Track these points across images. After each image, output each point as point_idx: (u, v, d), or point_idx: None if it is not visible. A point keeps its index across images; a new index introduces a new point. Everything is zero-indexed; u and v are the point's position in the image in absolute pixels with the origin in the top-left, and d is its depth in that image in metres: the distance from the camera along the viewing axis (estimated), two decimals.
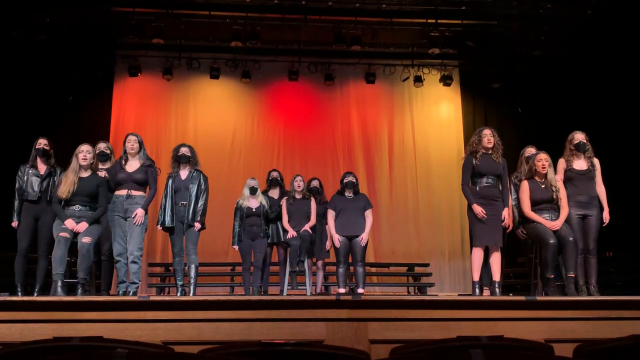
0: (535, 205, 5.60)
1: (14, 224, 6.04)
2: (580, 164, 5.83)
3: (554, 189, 5.59)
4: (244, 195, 7.19)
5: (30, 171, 6.07)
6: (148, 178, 5.78)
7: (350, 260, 6.82)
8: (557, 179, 5.70)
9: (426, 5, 10.48)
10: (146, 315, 3.70)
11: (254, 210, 7.08)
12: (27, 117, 10.08)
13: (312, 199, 7.24)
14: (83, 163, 5.58)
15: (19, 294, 5.93)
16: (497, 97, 11.76)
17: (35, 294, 5.85)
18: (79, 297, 4.72)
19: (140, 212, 5.62)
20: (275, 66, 11.74)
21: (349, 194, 6.87)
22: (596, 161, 5.88)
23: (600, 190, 5.84)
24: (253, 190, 7.15)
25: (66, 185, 5.47)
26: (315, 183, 7.53)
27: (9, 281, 6.66)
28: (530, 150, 6.24)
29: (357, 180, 6.99)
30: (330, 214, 6.83)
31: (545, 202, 5.58)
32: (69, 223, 5.39)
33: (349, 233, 6.70)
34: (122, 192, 5.69)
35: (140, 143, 5.89)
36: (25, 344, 2.17)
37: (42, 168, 6.13)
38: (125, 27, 10.37)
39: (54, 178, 6.04)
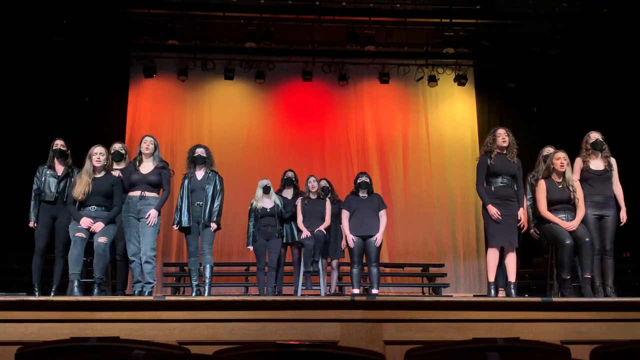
0: (552, 205, 5.56)
1: (32, 224, 6.10)
2: (596, 164, 5.78)
3: (571, 188, 5.55)
4: (257, 196, 7.20)
5: (47, 172, 6.13)
6: (162, 180, 5.82)
7: (364, 261, 6.82)
8: (574, 179, 5.66)
9: (440, 4, 10.45)
10: (162, 315, 3.72)
11: (268, 210, 7.10)
12: (44, 118, 10.19)
13: (327, 199, 7.24)
14: (97, 164, 5.62)
15: (37, 293, 5.99)
16: (512, 96, 11.67)
17: (52, 294, 5.91)
18: (96, 297, 4.76)
19: (153, 213, 5.66)
20: (289, 66, 11.76)
21: (363, 194, 6.87)
22: (613, 161, 5.83)
23: (617, 189, 5.79)
24: (266, 189, 7.16)
25: (81, 187, 5.50)
26: (323, 183, 7.53)
27: (26, 281, 6.74)
28: (549, 150, 6.20)
29: (371, 180, 6.98)
30: (345, 214, 6.82)
31: (562, 202, 5.54)
32: (85, 221, 5.42)
33: (363, 233, 6.69)
34: (136, 193, 5.74)
35: (156, 145, 5.94)
36: (43, 343, 2.19)
37: (60, 169, 6.18)
38: (140, 28, 10.44)
39: (71, 178, 6.08)
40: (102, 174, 5.67)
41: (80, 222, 5.42)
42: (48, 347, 2.13)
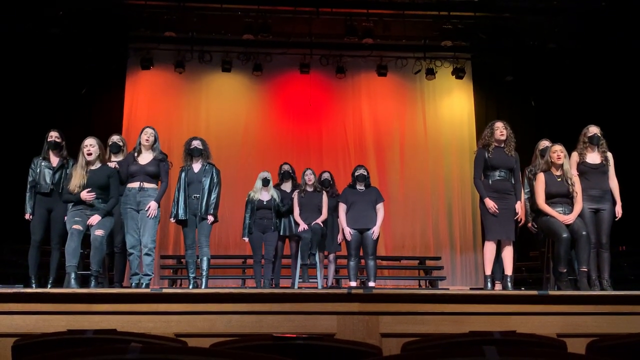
0: (550, 198, 5.57)
1: (27, 216, 6.09)
2: (593, 158, 5.79)
3: (569, 182, 5.56)
4: (256, 188, 7.21)
5: (42, 163, 6.11)
6: (160, 171, 5.81)
7: (361, 254, 6.82)
8: (573, 174, 5.66)
9: None
10: (159, 308, 3.72)
11: (264, 203, 7.10)
12: (40, 110, 10.16)
13: (324, 192, 7.24)
14: (89, 158, 5.58)
15: (33, 285, 5.98)
16: (510, 90, 11.66)
17: (49, 286, 5.90)
18: (93, 290, 4.76)
19: (153, 204, 5.65)
20: (286, 59, 11.73)
21: (360, 187, 6.87)
22: (610, 155, 5.84)
23: (613, 184, 5.80)
24: (266, 182, 7.16)
25: (76, 180, 5.48)
26: (326, 175, 7.52)
27: (23, 273, 6.73)
28: (544, 143, 6.21)
29: (368, 173, 6.98)
30: (342, 207, 6.82)
31: (560, 195, 5.55)
32: (84, 194, 5.40)
33: (360, 226, 6.69)
34: (135, 185, 5.72)
35: (156, 137, 5.92)
36: (40, 336, 2.19)
37: (55, 160, 6.17)
38: (137, 20, 10.39)
39: (67, 170, 6.07)
40: (98, 165, 5.65)
41: (81, 195, 5.40)
42: (45, 340, 2.13)
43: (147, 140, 5.85)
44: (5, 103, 9.94)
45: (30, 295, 3.81)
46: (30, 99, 10.26)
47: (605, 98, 10.18)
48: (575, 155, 5.84)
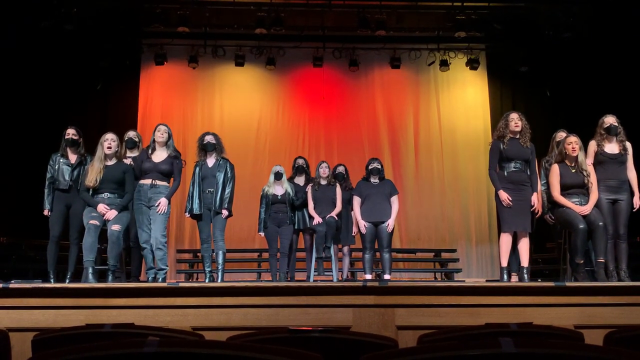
0: (566, 189, 5.52)
1: (46, 212, 6.15)
2: (611, 148, 5.72)
3: (584, 173, 5.51)
4: (270, 182, 7.23)
5: (61, 160, 6.16)
6: (173, 169, 5.85)
7: (376, 247, 6.82)
8: (588, 163, 5.61)
9: None
10: (176, 302, 3.75)
11: (279, 197, 7.12)
12: (55, 106, 10.24)
13: (338, 185, 7.24)
14: (108, 152, 5.64)
15: (52, 280, 6.05)
16: (525, 80, 11.55)
17: (67, 281, 5.96)
18: (110, 284, 4.80)
19: (163, 201, 5.70)
20: (299, 52, 11.71)
21: (374, 180, 6.86)
22: (628, 145, 5.76)
23: (632, 174, 5.73)
24: (278, 176, 7.18)
25: (93, 174, 5.55)
26: (340, 169, 7.51)
27: (41, 268, 6.81)
28: (561, 135, 6.14)
29: (382, 166, 6.97)
30: (356, 200, 6.82)
31: (575, 186, 5.50)
32: (101, 207, 5.46)
33: (374, 219, 6.69)
34: (147, 182, 5.77)
35: (170, 134, 5.97)
36: (59, 330, 2.22)
37: (73, 157, 6.22)
38: (150, 16, 10.43)
39: (84, 166, 6.12)
40: (114, 161, 5.70)
41: (97, 208, 5.46)
42: (64, 334, 2.16)
43: (160, 137, 5.91)
44: (22, 100, 10.03)
45: (49, 290, 3.85)
46: (45, 96, 10.33)
47: (622, 87, 10.05)
48: (593, 144, 5.77)
